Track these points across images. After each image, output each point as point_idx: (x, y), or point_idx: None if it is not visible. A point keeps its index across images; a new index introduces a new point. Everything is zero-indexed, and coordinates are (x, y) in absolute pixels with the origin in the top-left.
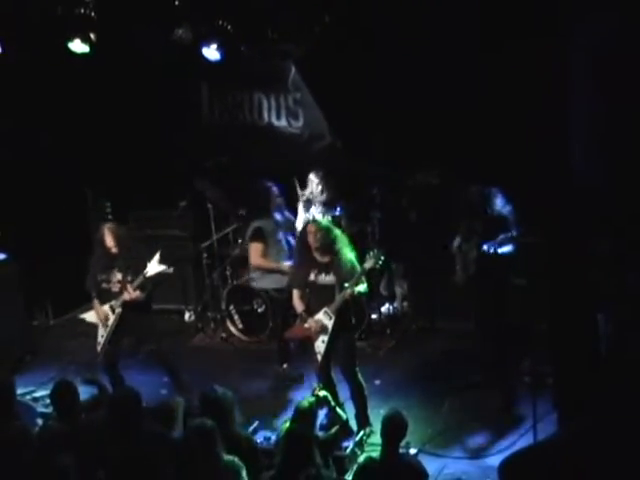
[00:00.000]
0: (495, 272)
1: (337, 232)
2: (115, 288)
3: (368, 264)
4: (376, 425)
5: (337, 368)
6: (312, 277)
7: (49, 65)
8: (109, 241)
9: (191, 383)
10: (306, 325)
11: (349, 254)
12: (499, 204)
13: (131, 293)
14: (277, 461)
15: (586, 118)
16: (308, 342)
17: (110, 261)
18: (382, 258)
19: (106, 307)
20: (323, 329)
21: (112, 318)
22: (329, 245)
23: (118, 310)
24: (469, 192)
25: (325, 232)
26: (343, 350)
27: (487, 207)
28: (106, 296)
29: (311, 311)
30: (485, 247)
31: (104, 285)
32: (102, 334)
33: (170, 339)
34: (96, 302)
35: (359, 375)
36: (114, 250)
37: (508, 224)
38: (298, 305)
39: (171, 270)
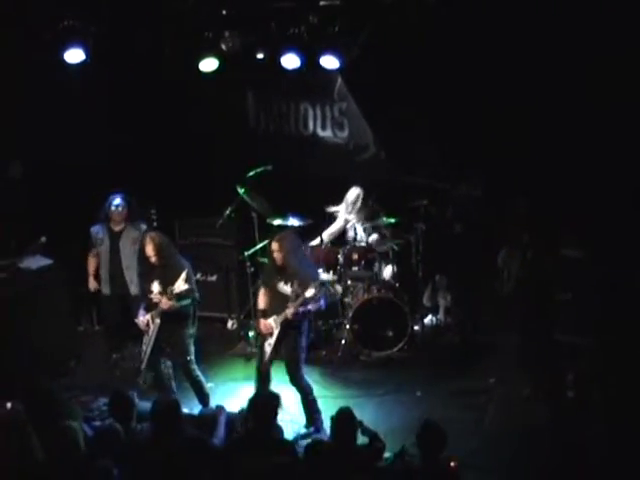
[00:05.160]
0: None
1: (300, 249)
2: (156, 299)
3: (309, 293)
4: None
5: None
6: (274, 282)
7: (95, 73)
8: (149, 250)
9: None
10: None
11: (309, 271)
12: None
13: (164, 303)
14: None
15: None
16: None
17: (150, 271)
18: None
19: (147, 317)
20: (270, 333)
21: (152, 328)
22: (285, 258)
23: (157, 321)
24: (515, 203)
25: (284, 246)
26: (285, 356)
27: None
28: (151, 306)
29: (267, 313)
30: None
31: (149, 295)
32: (145, 342)
33: (212, 346)
34: (141, 311)
35: (304, 379)
36: (153, 259)
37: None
38: (260, 302)
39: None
